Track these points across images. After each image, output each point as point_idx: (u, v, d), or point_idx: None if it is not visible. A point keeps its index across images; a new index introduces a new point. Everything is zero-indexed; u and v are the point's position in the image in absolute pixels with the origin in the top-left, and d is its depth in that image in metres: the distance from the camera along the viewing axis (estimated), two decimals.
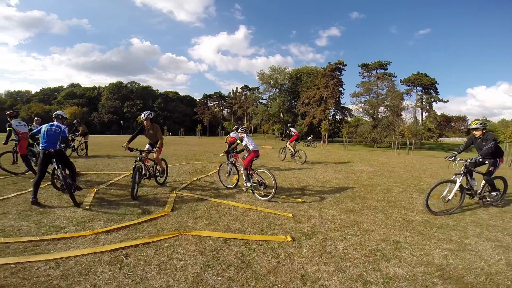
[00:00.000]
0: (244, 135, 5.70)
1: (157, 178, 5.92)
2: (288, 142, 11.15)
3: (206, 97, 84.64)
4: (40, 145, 4.48)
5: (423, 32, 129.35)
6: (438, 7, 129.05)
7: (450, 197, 4.61)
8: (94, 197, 4.85)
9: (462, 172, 4.65)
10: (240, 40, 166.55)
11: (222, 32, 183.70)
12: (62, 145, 4.57)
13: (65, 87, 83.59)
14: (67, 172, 4.67)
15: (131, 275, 2.47)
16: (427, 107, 43.58)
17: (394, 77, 45.53)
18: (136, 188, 4.88)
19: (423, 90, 44.13)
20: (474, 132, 4.90)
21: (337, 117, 56.60)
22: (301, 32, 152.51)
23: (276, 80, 62.06)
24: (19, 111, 47.04)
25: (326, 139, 45.38)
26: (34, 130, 5.06)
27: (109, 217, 3.87)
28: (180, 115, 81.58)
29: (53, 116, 4.88)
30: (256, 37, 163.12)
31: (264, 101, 71.22)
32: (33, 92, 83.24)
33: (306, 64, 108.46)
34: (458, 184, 4.54)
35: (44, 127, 4.55)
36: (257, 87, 71.98)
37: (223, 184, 6.14)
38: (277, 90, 64.92)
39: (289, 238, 3.39)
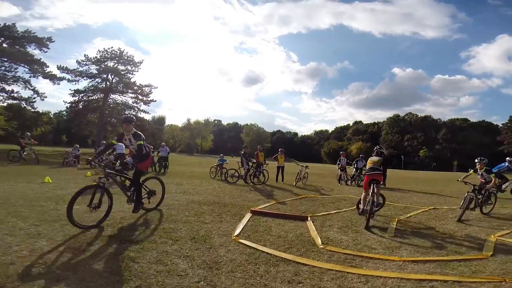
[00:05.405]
0: None
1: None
2: None
3: None
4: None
5: None
6: None
7: None
8: (396, 227, 5.26)
9: None
10: None
11: (500, 35, 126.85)
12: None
13: (350, 125, 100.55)
14: None
15: None
16: None
17: None
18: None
19: None
20: None
21: None
22: None
23: None
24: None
25: None
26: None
27: (415, 248, 4.03)
28: (474, 146, 64.42)
29: None
30: None
31: None
32: (329, 131, 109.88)
33: None
34: None
35: None
36: None
37: None
38: None
39: None
